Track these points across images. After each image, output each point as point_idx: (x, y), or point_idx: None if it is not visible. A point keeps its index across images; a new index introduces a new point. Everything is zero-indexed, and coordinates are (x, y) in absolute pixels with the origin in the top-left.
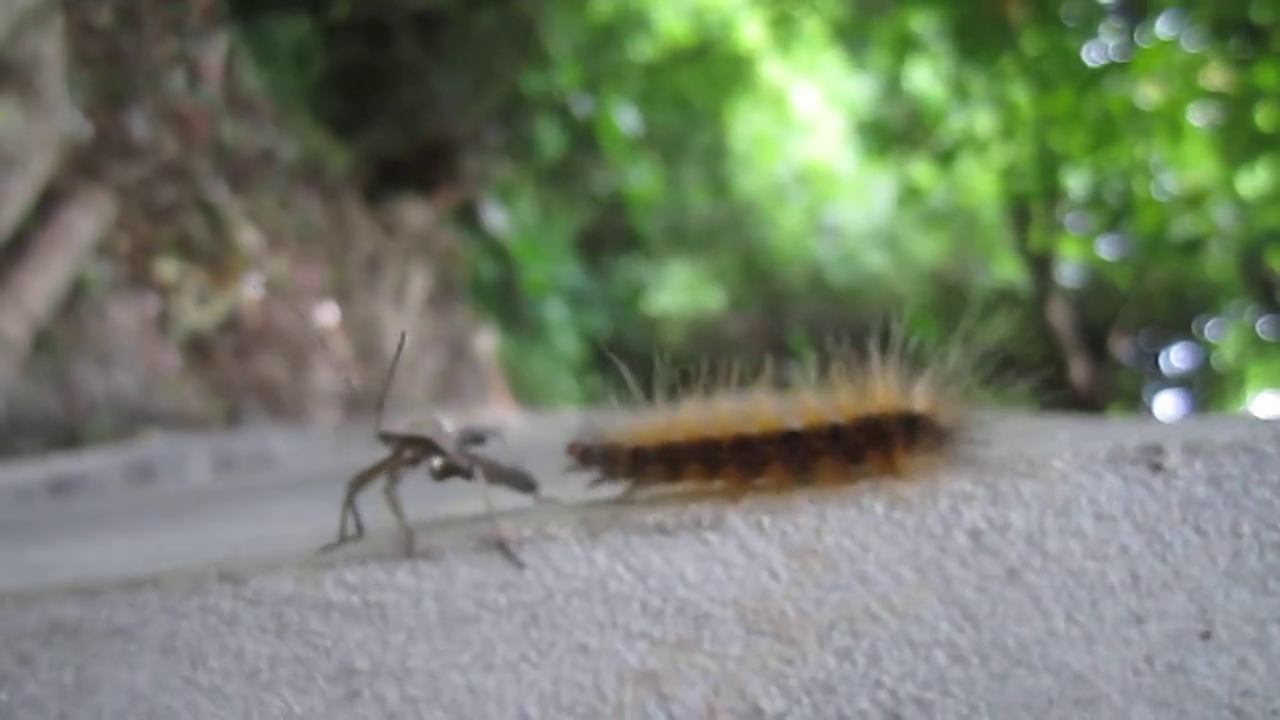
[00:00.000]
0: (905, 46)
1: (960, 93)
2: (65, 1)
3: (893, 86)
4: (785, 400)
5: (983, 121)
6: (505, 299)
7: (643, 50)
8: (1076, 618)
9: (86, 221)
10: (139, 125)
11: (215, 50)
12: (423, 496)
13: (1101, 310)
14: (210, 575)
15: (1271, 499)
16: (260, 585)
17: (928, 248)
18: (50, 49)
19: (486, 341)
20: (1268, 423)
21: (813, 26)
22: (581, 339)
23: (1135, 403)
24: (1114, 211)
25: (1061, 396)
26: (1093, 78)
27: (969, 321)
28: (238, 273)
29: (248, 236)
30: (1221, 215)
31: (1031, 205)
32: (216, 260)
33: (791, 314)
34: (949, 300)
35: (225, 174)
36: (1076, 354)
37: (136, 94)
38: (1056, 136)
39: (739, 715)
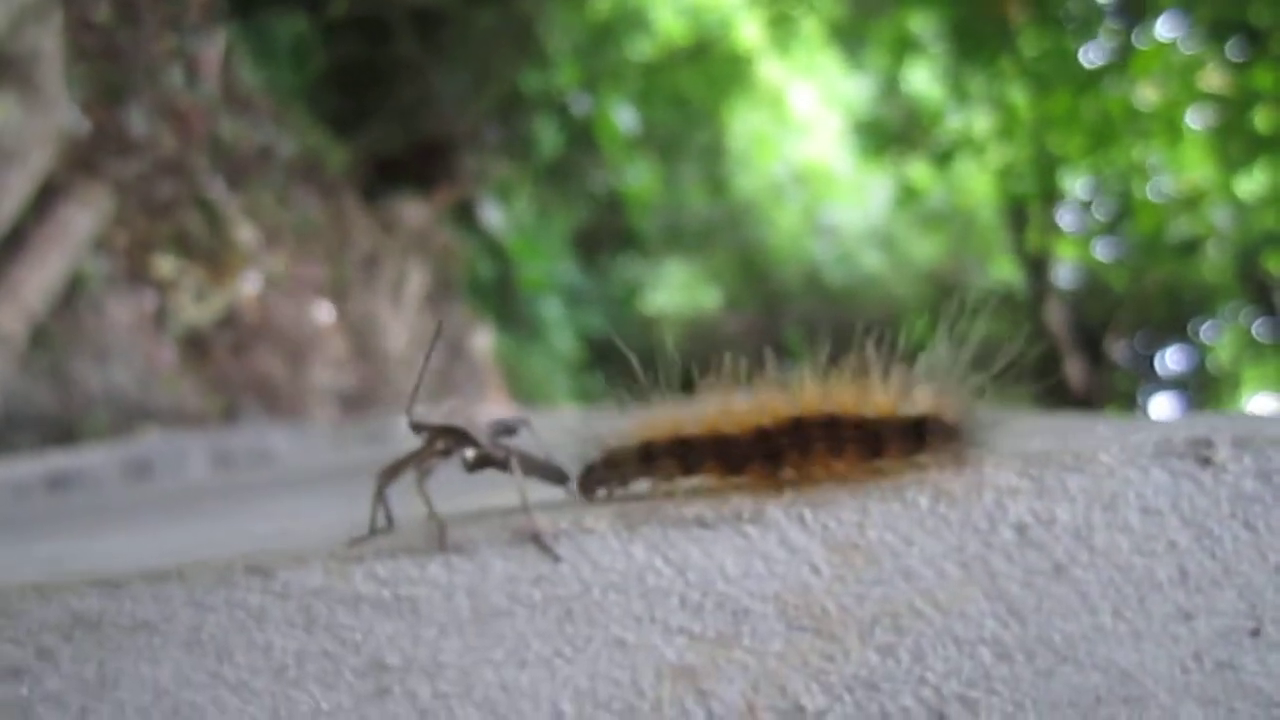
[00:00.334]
0: (903, 47)
1: (958, 93)
2: None
3: (891, 87)
4: (800, 395)
5: (980, 122)
6: (502, 297)
7: (641, 49)
8: (1124, 614)
9: (84, 217)
10: (137, 121)
11: (214, 46)
12: (451, 489)
13: (1097, 311)
14: (237, 568)
15: None
16: (288, 578)
17: (925, 248)
18: (50, 43)
19: (483, 340)
20: None
21: (811, 26)
22: (578, 338)
23: (1130, 404)
24: (1112, 213)
25: (1057, 397)
26: (1091, 79)
27: (972, 320)
28: (235, 269)
29: (245, 233)
30: (1218, 217)
31: (1029, 206)
32: (214, 257)
33: (788, 314)
34: (945, 301)
35: (223, 170)
36: (1072, 355)
37: (135, 90)
38: (1054, 138)
39: (779, 712)
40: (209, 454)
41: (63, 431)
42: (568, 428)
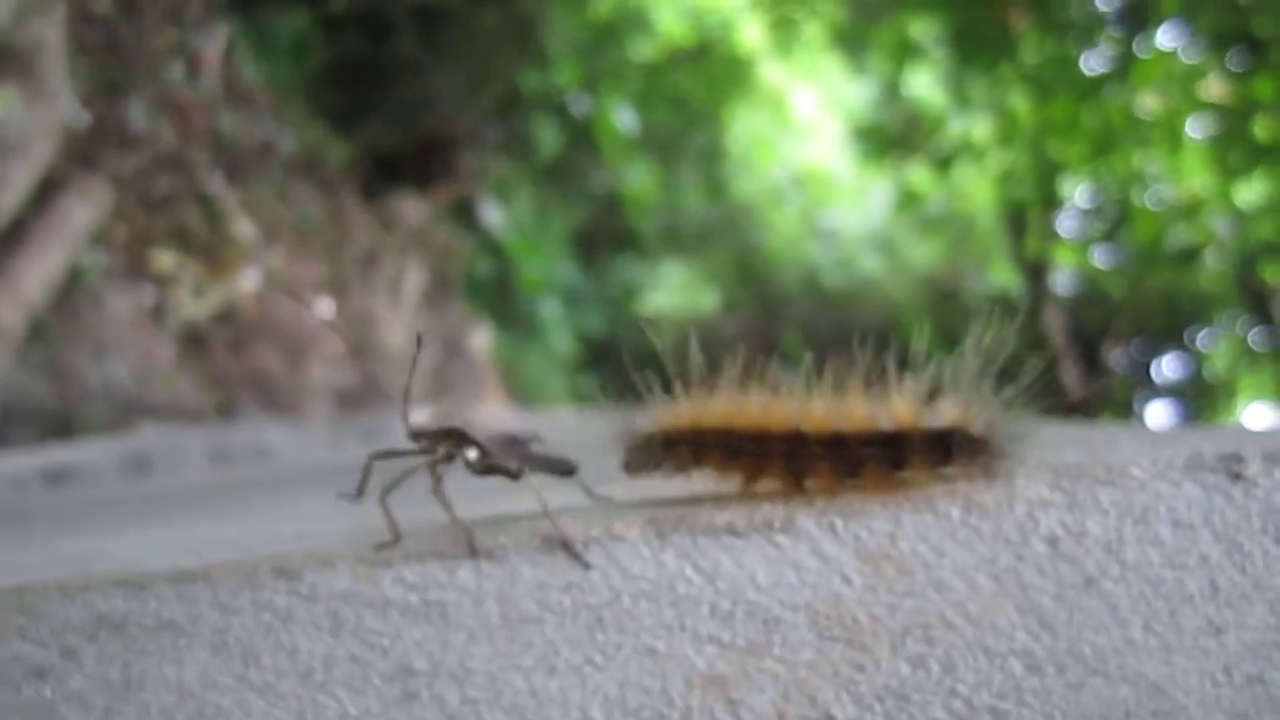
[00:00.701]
0: (905, 51)
1: (959, 99)
2: None
3: (892, 91)
4: (833, 402)
5: (981, 128)
6: (501, 296)
7: (642, 50)
8: (1154, 627)
9: (83, 210)
10: (137, 115)
11: (214, 41)
12: (467, 495)
13: (1095, 319)
14: (263, 569)
15: None
16: (316, 581)
17: (923, 253)
18: (52, 36)
19: (481, 339)
20: None
21: (813, 30)
22: (576, 338)
23: (1126, 411)
24: (1111, 220)
25: (1055, 404)
26: (1092, 87)
27: (989, 330)
28: (234, 265)
29: (244, 229)
30: (1217, 226)
31: (1028, 212)
32: (213, 252)
33: (786, 317)
34: (944, 306)
35: (223, 165)
36: (1069, 362)
37: (135, 84)
38: (1054, 144)
39: None
40: (207, 450)
41: (60, 425)
42: (598, 422)
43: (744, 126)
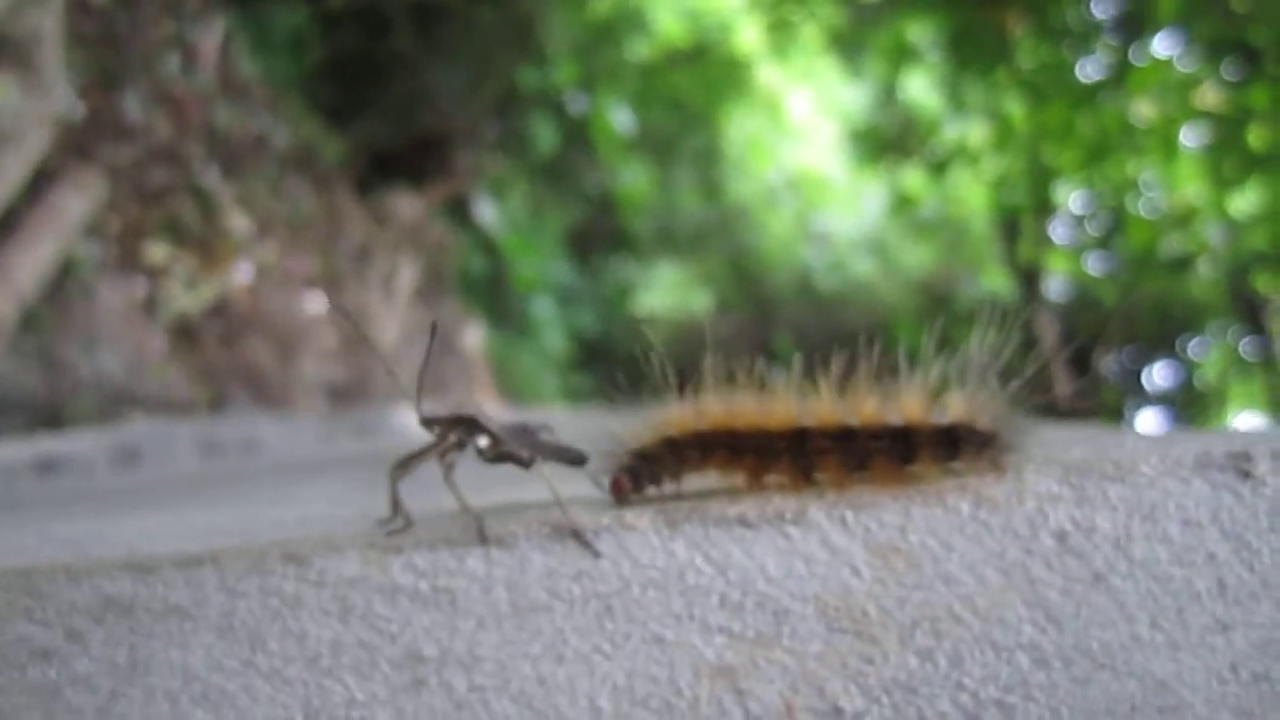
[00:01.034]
0: (901, 56)
1: (955, 103)
2: None
3: (887, 95)
4: (840, 397)
5: (976, 133)
6: (494, 294)
7: (639, 51)
8: (1161, 624)
9: (77, 201)
10: (132, 107)
11: (211, 35)
12: (479, 483)
13: (1087, 325)
14: (272, 554)
15: None
16: (324, 566)
17: (916, 257)
18: (49, 26)
19: (474, 336)
20: None
21: (810, 33)
22: (569, 337)
23: (1117, 418)
24: (1104, 227)
25: (1047, 410)
26: (1087, 93)
27: (992, 327)
28: (227, 258)
29: (238, 222)
30: (1210, 234)
31: (1022, 218)
32: (206, 245)
33: (778, 319)
34: (936, 310)
35: (217, 159)
36: (1061, 368)
37: (131, 75)
38: (1049, 150)
39: (817, 714)
40: (197, 442)
41: (50, 416)
42: (597, 426)
43: (739, 128)
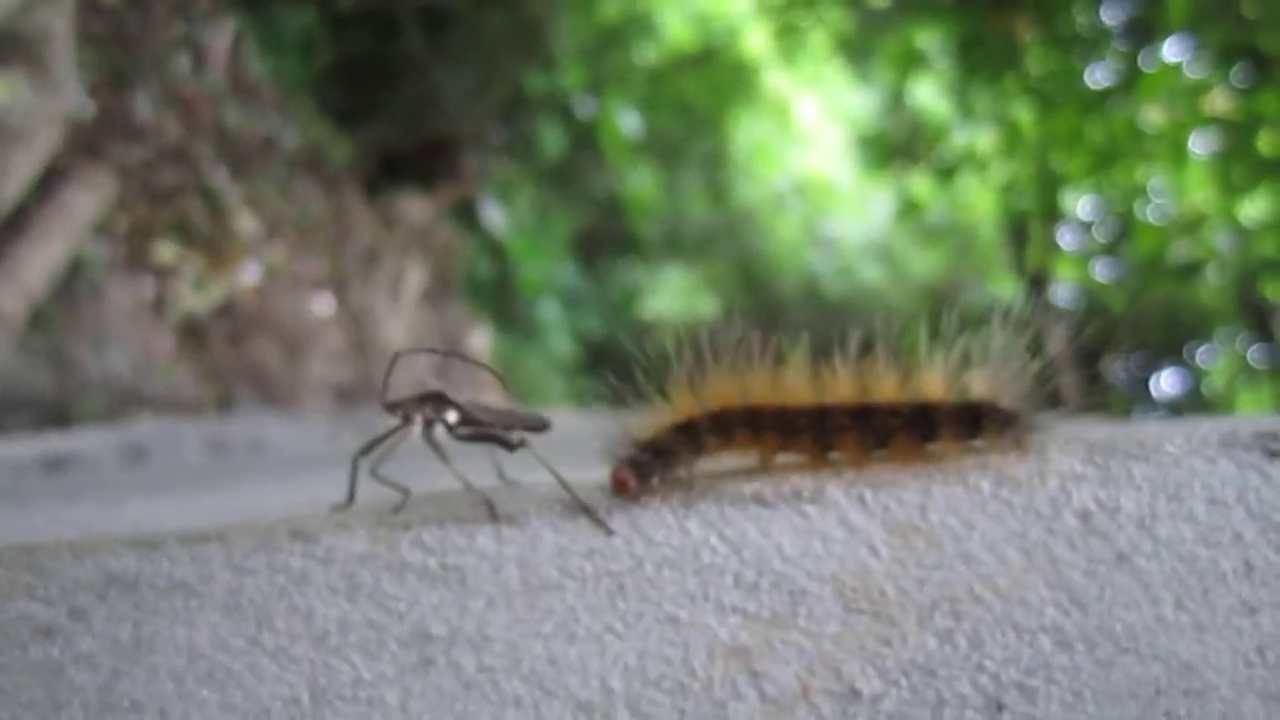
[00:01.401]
0: (910, 61)
1: (963, 109)
2: None
3: (895, 101)
4: (860, 375)
5: (984, 139)
6: (501, 297)
7: (647, 55)
8: (1187, 605)
9: (87, 201)
10: (142, 107)
11: (222, 35)
12: (490, 469)
13: (1095, 332)
14: (280, 531)
15: None
16: (332, 544)
17: (924, 263)
18: (60, 25)
19: (480, 339)
20: None
21: (818, 38)
22: (576, 340)
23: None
24: (1112, 233)
25: (1056, 413)
26: (1096, 99)
27: (1014, 310)
28: (235, 259)
29: (247, 223)
30: (1219, 241)
31: (1029, 224)
32: (215, 245)
33: (785, 324)
34: (943, 315)
35: (226, 159)
36: (1068, 375)
37: (141, 75)
38: (1057, 157)
39: (834, 696)
40: (204, 441)
41: (58, 414)
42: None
43: (747, 133)
